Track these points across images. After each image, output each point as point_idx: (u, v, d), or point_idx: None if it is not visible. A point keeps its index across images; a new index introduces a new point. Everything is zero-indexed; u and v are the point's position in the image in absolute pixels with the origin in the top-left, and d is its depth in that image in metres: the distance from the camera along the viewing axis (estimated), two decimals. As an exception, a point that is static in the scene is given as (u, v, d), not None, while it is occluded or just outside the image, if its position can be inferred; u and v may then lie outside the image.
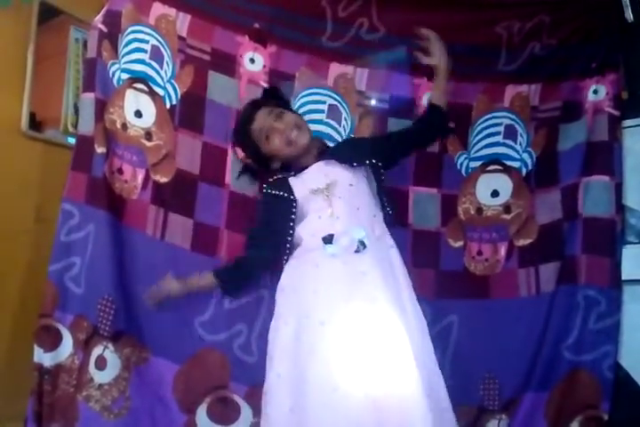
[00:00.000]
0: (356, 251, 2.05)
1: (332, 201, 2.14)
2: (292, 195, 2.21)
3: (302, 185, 2.23)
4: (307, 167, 2.28)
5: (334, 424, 1.90)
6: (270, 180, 2.34)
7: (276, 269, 2.28)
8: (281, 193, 2.23)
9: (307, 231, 2.15)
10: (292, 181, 2.27)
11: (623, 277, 2.59)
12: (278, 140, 2.27)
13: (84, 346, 2.26)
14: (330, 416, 1.90)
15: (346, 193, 2.16)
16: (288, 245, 2.20)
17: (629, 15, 2.74)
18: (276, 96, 2.46)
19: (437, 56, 2.41)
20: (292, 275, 2.15)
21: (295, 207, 2.19)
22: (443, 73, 2.41)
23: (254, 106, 2.37)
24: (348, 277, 2.04)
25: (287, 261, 2.22)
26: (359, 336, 1.97)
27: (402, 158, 2.47)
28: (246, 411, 2.40)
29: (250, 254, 2.30)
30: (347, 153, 2.28)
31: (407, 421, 1.89)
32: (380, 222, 2.20)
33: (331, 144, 2.56)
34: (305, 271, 2.11)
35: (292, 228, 2.18)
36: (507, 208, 2.72)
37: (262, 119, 2.29)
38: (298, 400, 1.96)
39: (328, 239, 2.06)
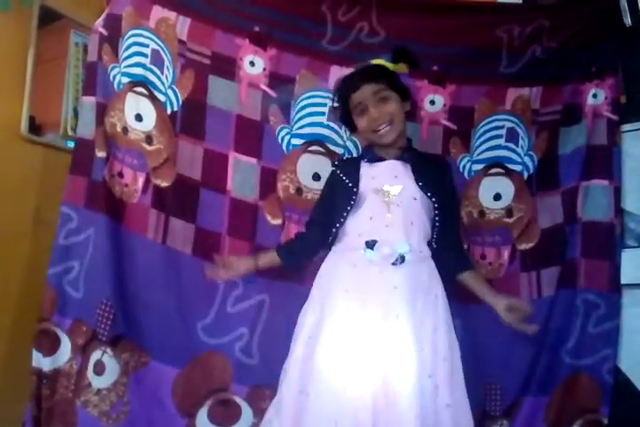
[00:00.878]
0: (394, 263, 2.04)
1: (389, 207, 2.10)
2: (357, 186, 2.16)
3: (370, 177, 2.18)
4: (382, 158, 2.22)
5: (333, 413, 1.93)
6: (344, 158, 2.35)
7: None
8: (346, 180, 2.19)
9: (354, 229, 2.13)
10: (364, 168, 2.22)
11: (622, 281, 2.59)
12: (367, 123, 2.18)
13: (83, 351, 2.26)
14: (331, 405, 1.93)
15: (407, 204, 2.12)
16: (334, 230, 2.18)
17: (628, 20, 2.75)
18: (406, 59, 2.29)
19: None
20: (331, 268, 2.15)
21: (354, 200, 2.14)
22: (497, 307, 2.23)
23: (370, 74, 2.21)
24: (380, 288, 2.03)
25: (329, 249, 2.21)
26: (373, 344, 1.97)
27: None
28: (247, 412, 2.41)
29: (311, 232, 2.30)
30: (424, 175, 2.18)
31: None
32: (426, 244, 2.16)
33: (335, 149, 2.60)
34: (342, 268, 2.10)
35: (345, 217, 2.15)
36: (509, 211, 2.72)
37: (366, 95, 2.17)
38: (306, 385, 1.99)
39: (371, 244, 2.05)
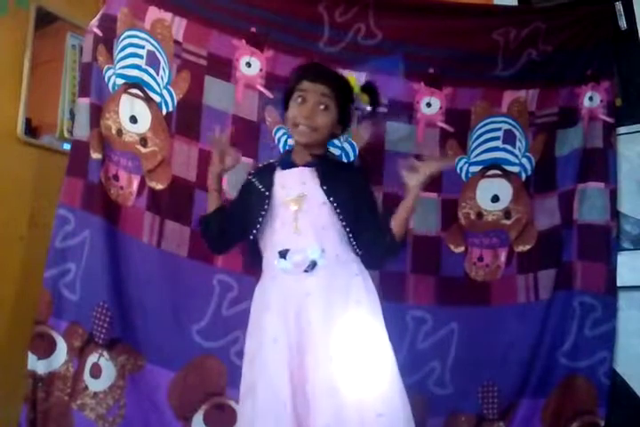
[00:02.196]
0: (305, 270, 1.97)
1: (297, 215, 2.03)
2: (269, 190, 2.08)
3: (281, 187, 2.09)
4: (293, 164, 2.12)
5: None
6: (260, 165, 2.27)
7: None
8: (259, 186, 2.11)
9: (269, 240, 2.06)
10: (278, 174, 2.13)
11: (618, 284, 2.60)
12: (295, 114, 2.07)
13: (80, 354, 2.25)
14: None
15: (316, 210, 2.04)
16: (251, 236, 2.08)
17: (623, 23, 2.76)
18: (369, 92, 2.21)
19: (416, 179, 2.06)
20: (260, 285, 2.09)
21: (267, 205, 2.06)
22: (414, 193, 2.07)
23: (332, 78, 2.13)
24: (294, 296, 1.96)
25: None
26: (301, 356, 1.90)
27: None
28: None
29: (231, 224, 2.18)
30: (330, 180, 2.08)
31: None
32: (346, 247, 2.05)
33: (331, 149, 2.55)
34: (266, 284, 2.05)
35: (260, 223, 2.05)
36: (507, 213, 2.73)
37: (316, 90, 2.07)
38: (254, 416, 1.90)
39: (283, 254, 1.99)
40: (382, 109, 2.69)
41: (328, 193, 2.04)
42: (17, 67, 2.57)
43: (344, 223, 2.04)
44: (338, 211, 2.03)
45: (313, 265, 1.97)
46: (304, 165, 2.11)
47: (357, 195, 2.10)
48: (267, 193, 2.07)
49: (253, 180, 2.16)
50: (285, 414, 1.83)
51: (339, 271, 2.01)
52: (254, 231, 2.06)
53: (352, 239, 2.05)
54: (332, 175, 2.09)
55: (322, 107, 2.06)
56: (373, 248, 2.05)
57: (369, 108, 2.21)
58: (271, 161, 2.23)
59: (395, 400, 1.90)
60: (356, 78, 2.21)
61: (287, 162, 2.14)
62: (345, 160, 2.63)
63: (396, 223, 2.02)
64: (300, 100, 2.07)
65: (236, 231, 2.13)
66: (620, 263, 2.62)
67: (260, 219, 2.05)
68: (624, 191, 2.70)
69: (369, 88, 2.21)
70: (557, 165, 2.75)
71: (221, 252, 2.34)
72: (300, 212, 2.04)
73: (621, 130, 2.73)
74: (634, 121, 2.74)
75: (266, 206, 2.05)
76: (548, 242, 2.69)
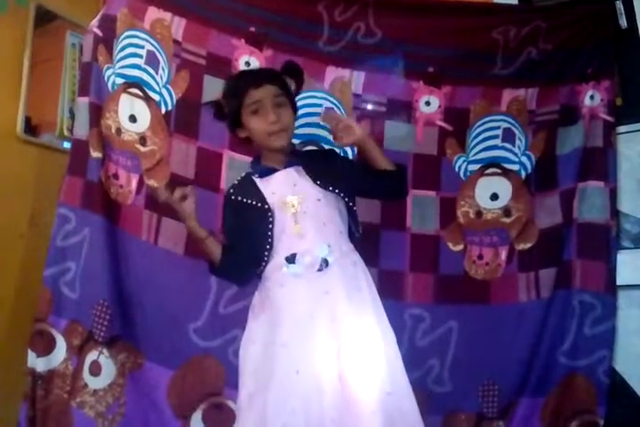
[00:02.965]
0: (319, 269, 1.99)
1: (297, 217, 2.04)
2: (266, 203, 2.07)
3: (271, 193, 2.09)
4: (273, 170, 2.12)
5: None
6: (235, 182, 2.20)
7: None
8: (252, 202, 2.09)
9: (273, 248, 2.06)
10: (260, 184, 2.12)
11: (618, 283, 2.59)
12: (263, 124, 2.07)
13: (79, 352, 2.25)
14: None
15: (312, 208, 2.05)
16: (266, 253, 2.06)
17: (623, 22, 2.76)
18: (295, 74, 2.22)
19: (353, 133, 2.13)
20: (261, 294, 2.09)
21: (272, 217, 2.05)
22: (369, 142, 2.18)
23: (273, 76, 2.16)
24: (311, 297, 1.97)
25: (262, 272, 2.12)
26: (320, 357, 1.90)
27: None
28: None
29: (241, 254, 2.11)
30: (319, 173, 2.11)
31: None
32: (346, 238, 2.10)
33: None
34: (271, 291, 2.04)
35: (271, 237, 2.05)
36: (507, 211, 2.72)
37: (267, 94, 2.07)
38: (261, 422, 1.89)
39: (290, 259, 2.00)
40: (381, 108, 2.71)
41: (325, 186, 2.07)
42: (16, 65, 2.57)
43: (350, 204, 2.11)
44: (342, 195, 2.08)
45: (326, 263, 1.99)
46: (285, 167, 2.11)
47: (343, 169, 2.18)
48: (265, 206, 2.06)
49: (239, 198, 2.12)
50: (295, 420, 1.84)
51: (343, 262, 2.03)
52: (267, 247, 2.05)
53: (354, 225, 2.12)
54: (318, 166, 2.13)
55: (279, 105, 2.08)
56: (389, 182, 2.18)
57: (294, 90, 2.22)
58: (242, 176, 2.20)
59: (399, 380, 1.96)
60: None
61: (264, 169, 2.14)
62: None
63: (378, 163, 2.15)
64: (254, 109, 2.08)
65: (251, 256, 2.08)
66: (619, 262, 2.61)
67: (270, 233, 2.05)
68: (624, 190, 2.69)
69: (290, 69, 2.23)
70: (558, 163, 2.74)
71: (249, 281, 2.21)
72: (299, 213, 2.04)
73: (621, 129, 2.73)
74: (634, 120, 2.74)
75: (270, 219, 2.05)
76: (549, 240, 2.68)
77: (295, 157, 2.14)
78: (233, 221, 2.16)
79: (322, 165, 2.14)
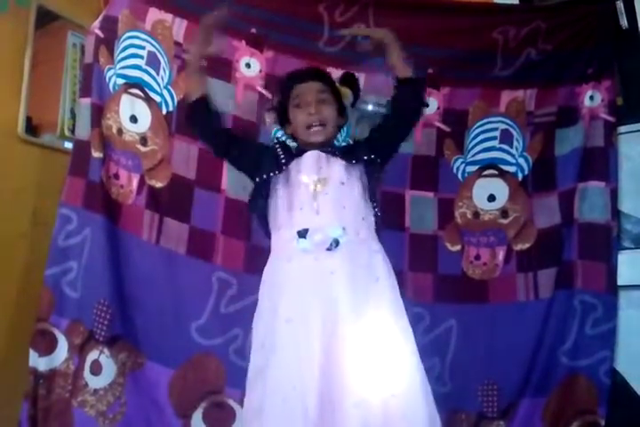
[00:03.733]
0: (328, 249, 2.00)
1: (317, 196, 2.06)
2: (288, 164, 2.14)
3: (296, 171, 2.14)
4: (304, 151, 2.17)
5: (289, 423, 1.87)
6: (288, 139, 2.29)
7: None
8: (282, 157, 2.15)
9: (286, 221, 2.09)
10: (294, 158, 2.17)
11: (619, 283, 2.59)
12: (303, 117, 2.16)
13: (80, 351, 2.26)
14: (286, 415, 1.87)
15: (335, 191, 2.08)
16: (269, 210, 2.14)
17: (624, 22, 2.76)
18: (350, 83, 2.33)
19: (378, 31, 2.30)
20: (270, 268, 2.11)
21: (279, 169, 2.12)
22: (393, 43, 2.24)
23: (319, 73, 2.27)
24: (317, 275, 1.99)
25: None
26: (320, 336, 1.91)
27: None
28: (241, 415, 2.38)
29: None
30: (346, 150, 2.21)
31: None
32: (368, 226, 2.11)
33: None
34: (279, 265, 2.07)
35: (268, 175, 2.12)
36: (504, 212, 2.73)
37: (310, 89, 2.17)
38: (263, 401, 1.92)
39: (302, 233, 2.01)
40: (380, 109, 2.71)
41: (349, 159, 2.13)
42: (17, 65, 2.57)
43: (377, 174, 2.18)
44: (379, 161, 2.17)
45: (336, 243, 2.00)
46: (317, 149, 2.16)
47: (361, 143, 2.24)
48: (283, 160, 2.13)
49: (278, 148, 2.20)
50: (295, 395, 1.86)
51: (360, 249, 2.05)
52: (264, 176, 2.11)
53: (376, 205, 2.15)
54: (342, 149, 2.22)
55: (322, 101, 2.14)
56: (404, 95, 2.20)
57: (351, 101, 2.30)
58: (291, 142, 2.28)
59: (411, 380, 1.94)
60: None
61: (301, 149, 2.19)
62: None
63: (402, 66, 2.20)
64: (298, 103, 2.16)
65: (230, 141, 2.23)
66: (620, 262, 2.61)
67: (265, 176, 2.11)
68: (625, 190, 2.70)
69: (348, 79, 2.31)
70: (557, 164, 2.74)
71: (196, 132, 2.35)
72: (320, 193, 2.07)
73: (622, 129, 2.73)
74: (635, 120, 2.75)
75: (276, 171, 2.11)
76: (549, 241, 2.69)
77: (326, 143, 2.19)
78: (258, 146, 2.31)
79: (346, 147, 2.28)
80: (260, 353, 1.99)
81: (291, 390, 1.86)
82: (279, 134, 2.44)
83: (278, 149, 2.18)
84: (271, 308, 2.01)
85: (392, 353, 1.96)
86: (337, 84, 2.27)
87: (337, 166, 2.13)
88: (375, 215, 2.15)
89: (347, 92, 2.29)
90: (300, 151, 2.17)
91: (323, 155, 2.15)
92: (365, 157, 2.14)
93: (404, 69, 2.20)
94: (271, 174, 2.11)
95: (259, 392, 1.93)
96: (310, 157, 2.14)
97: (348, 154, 2.15)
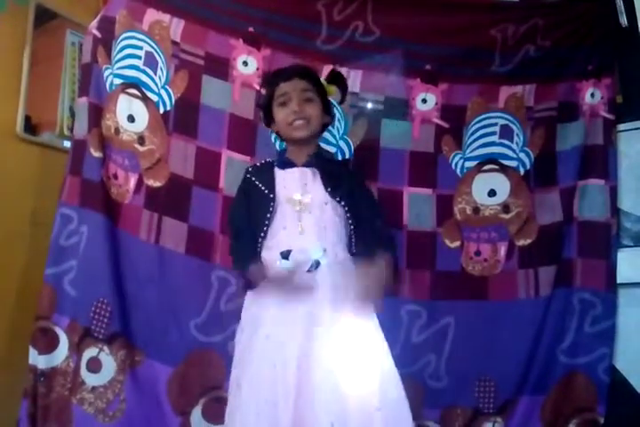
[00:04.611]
0: (308, 270, 2.00)
1: (301, 215, 2.08)
2: (273, 193, 2.12)
3: (282, 186, 2.13)
4: (292, 164, 2.17)
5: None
6: (257, 164, 2.27)
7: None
8: (262, 187, 2.14)
9: (271, 242, 2.09)
10: (277, 174, 2.17)
11: (618, 281, 2.59)
12: (285, 114, 2.15)
13: (77, 349, 2.28)
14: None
15: (317, 210, 2.09)
16: (260, 240, 2.11)
17: (624, 21, 2.76)
18: (338, 82, 2.31)
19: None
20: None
21: (273, 207, 2.10)
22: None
23: (304, 72, 2.23)
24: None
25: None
26: (297, 354, 1.91)
27: None
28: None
29: (246, 239, 2.16)
30: (333, 181, 2.14)
31: None
32: (344, 247, 2.11)
33: (327, 147, 2.57)
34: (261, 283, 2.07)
35: (268, 226, 2.09)
36: (505, 207, 2.72)
37: (294, 87, 2.16)
38: (237, 413, 1.94)
39: (285, 254, 2.02)
40: (378, 106, 2.72)
41: (333, 194, 2.10)
42: (16, 64, 2.58)
43: (350, 221, 2.11)
44: (346, 209, 2.11)
45: (317, 265, 2.00)
46: (303, 165, 2.16)
47: (357, 192, 2.18)
48: (271, 195, 2.11)
49: (254, 179, 2.19)
50: (267, 409, 1.86)
51: (338, 270, 2.04)
52: (262, 235, 2.09)
53: (353, 236, 2.12)
54: (333, 175, 2.15)
55: (306, 100, 2.14)
56: (372, 245, 2.08)
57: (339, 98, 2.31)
58: (268, 160, 2.27)
59: (391, 394, 1.93)
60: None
61: (285, 162, 2.19)
62: (340, 157, 2.65)
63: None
64: (282, 102, 2.16)
65: (253, 243, 2.12)
66: (619, 260, 2.61)
67: (267, 222, 2.09)
68: (624, 188, 2.70)
69: (334, 77, 2.30)
70: (558, 159, 2.74)
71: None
72: (304, 212, 2.08)
73: (622, 127, 2.73)
74: (634, 118, 2.74)
75: (271, 209, 2.09)
76: (549, 237, 2.68)
77: (316, 159, 2.18)
78: (241, 200, 2.22)
79: (336, 174, 2.18)
80: (238, 366, 2.01)
81: (263, 404, 1.87)
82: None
83: (255, 181, 2.18)
84: (251, 323, 2.02)
85: (371, 369, 1.96)
86: (323, 82, 2.26)
87: (321, 187, 2.12)
88: (350, 239, 2.14)
89: (333, 90, 2.28)
90: (287, 164, 2.18)
91: (308, 172, 2.15)
92: (338, 200, 2.11)
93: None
94: (268, 215, 2.10)
95: (236, 404, 1.95)
96: (296, 172, 2.15)
97: (330, 184, 2.12)
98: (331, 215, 2.09)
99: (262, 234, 2.09)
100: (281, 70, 2.28)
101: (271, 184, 2.14)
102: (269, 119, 2.25)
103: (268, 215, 2.09)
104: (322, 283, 2.00)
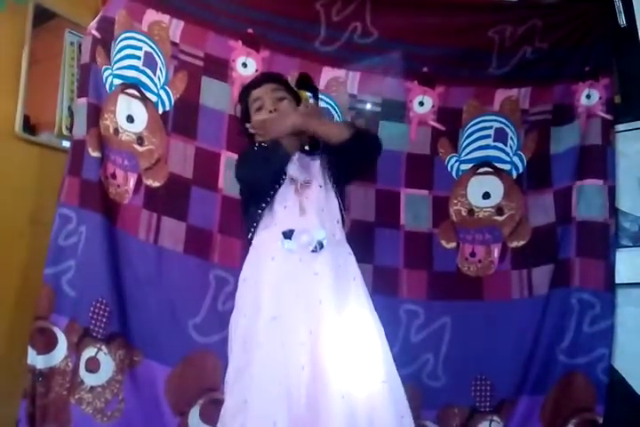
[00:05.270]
0: (313, 250, 2.03)
1: (301, 197, 2.10)
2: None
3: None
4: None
5: (276, 420, 1.86)
6: (263, 144, 2.21)
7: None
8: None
9: (270, 220, 2.10)
10: None
11: (617, 281, 2.60)
12: (263, 117, 2.15)
13: (76, 349, 2.27)
14: (273, 411, 1.87)
15: (315, 193, 2.11)
16: (263, 205, 2.11)
17: (622, 20, 2.76)
18: (304, 85, 2.30)
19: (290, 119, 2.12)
20: (252, 266, 2.12)
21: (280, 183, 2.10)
22: (308, 126, 2.10)
23: (272, 76, 2.30)
24: (301, 276, 2.01)
25: (253, 234, 2.14)
26: (305, 333, 1.93)
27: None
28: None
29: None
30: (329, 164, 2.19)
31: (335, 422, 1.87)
32: (341, 228, 2.15)
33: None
34: (262, 264, 2.07)
35: (269, 202, 2.10)
36: (499, 210, 2.75)
37: (265, 91, 2.19)
38: (247, 394, 1.93)
39: (288, 234, 2.03)
40: (376, 108, 2.73)
41: (332, 180, 2.15)
42: (15, 64, 2.56)
43: (341, 205, 2.17)
44: (338, 194, 2.16)
45: (320, 246, 2.03)
46: (300, 151, 2.16)
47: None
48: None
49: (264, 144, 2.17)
50: (281, 390, 1.87)
51: (337, 251, 2.08)
52: (259, 211, 2.10)
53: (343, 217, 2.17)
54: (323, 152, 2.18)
55: (279, 99, 2.17)
56: (354, 149, 2.08)
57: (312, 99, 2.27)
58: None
59: (389, 368, 1.98)
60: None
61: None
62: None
63: (332, 139, 2.07)
64: (257, 107, 2.18)
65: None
66: (618, 260, 2.62)
67: (269, 199, 2.10)
68: (623, 189, 2.70)
69: (302, 81, 2.30)
70: (552, 162, 2.76)
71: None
72: (304, 195, 2.10)
73: (620, 127, 2.74)
74: (632, 118, 2.75)
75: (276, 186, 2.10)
76: (543, 239, 2.70)
77: (310, 144, 2.20)
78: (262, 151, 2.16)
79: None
80: (242, 352, 1.99)
81: (277, 386, 1.88)
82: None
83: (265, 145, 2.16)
84: (254, 306, 2.01)
85: (372, 345, 2.00)
86: (293, 87, 2.27)
87: (317, 170, 2.15)
88: (342, 218, 2.17)
89: (305, 95, 2.26)
90: None
91: (305, 156, 2.17)
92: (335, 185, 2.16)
93: (338, 133, 2.08)
94: (271, 192, 2.10)
95: (241, 390, 1.93)
96: (295, 157, 2.14)
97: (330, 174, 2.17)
98: (326, 198, 2.13)
99: (260, 211, 2.10)
100: (250, 81, 2.33)
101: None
102: (248, 130, 2.21)
103: (272, 192, 2.10)
104: (324, 263, 2.02)
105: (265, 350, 1.92)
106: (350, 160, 2.12)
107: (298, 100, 2.22)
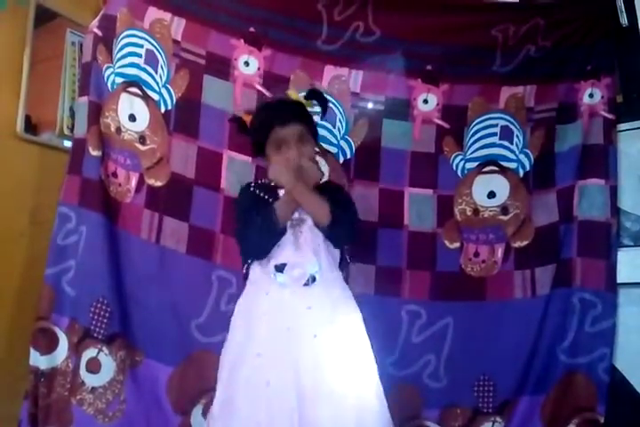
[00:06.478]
0: (305, 284, 2.02)
1: (296, 232, 2.07)
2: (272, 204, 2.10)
3: None
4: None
5: None
6: (259, 182, 2.25)
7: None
8: (268, 198, 2.12)
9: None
10: (280, 191, 2.14)
11: (618, 280, 2.59)
12: (279, 159, 2.11)
13: (76, 349, 2.27)
14: None
15: (309, 231, 2.08)
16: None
17: (624, 20, 2.76)
18: (319, 101, 2.26)
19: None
20: (246, 299, 2.11)
21: None
22: (297, 195, 2.08)
23: (297, 113, 2.17)
24: (293, 309, 1.99)
25: (248, 269, 2.13)
26: (292, 372, 1.91)
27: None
28: None
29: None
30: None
31: None
32: (336, 265, 2.12)
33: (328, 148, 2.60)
34: (256, 298, 2.06)
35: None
36: (504, 209, 2.74)
37: (291, 133, 2.11)
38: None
39: (280, 268, 2.03)
40: (379, 107, 2.73)
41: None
42: (16, 64, 2.56)
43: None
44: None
45: (313, 279, 2.02)
46: None
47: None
48: (270, 200, 2.10)
49: (258, 192, 2.16)
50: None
51: (330, 285, 2.06)
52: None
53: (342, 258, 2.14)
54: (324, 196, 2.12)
55: (300, 142, 2.12)
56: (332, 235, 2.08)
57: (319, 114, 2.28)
58: (264, 181, 2.22)
59: (374, 392, 1.98)
60: (295, 92, 2.25)
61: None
62: (342, 158, 2.68)
63: (316, 214, 2.06)
64: (278, 145, 2.12)
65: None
66: (619, 260, 2.61)
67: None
68: (625, 188, 2.70)
69: (312, 93, 2.26)
70: (557, 160, 2.75)
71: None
72: (299, 230, 2.08)
73: (622, 126, 2.73)
74: (634, 117, 2.75)
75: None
76: (546, 238, 2.70)
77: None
78: (254, 208, 2.12)
79: (326, 195, 2.13)
80: (224, 387, 1.99)
81: (255, 426, 1.87)
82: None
83: (261, 194, 2.15)
84: (242, 341, 2.01)
85: (363, 383, 1.98)
86: (302, 100, 2.21)
87: None
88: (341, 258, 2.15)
89: (309, 103, 2.23)
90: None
91: None
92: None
93: (320, 215, 2.06)
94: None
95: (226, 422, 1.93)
96: None
97: None
98: (321, 236, 2.08)
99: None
100: (275, 111, 2.21)
101: (276, 195, 2.12)
102: (259, 152, 2.21)
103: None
104: (318, 297, 2.01)
105: (249, 387, 1.92)
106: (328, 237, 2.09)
107: (315, 132, 2.22)
